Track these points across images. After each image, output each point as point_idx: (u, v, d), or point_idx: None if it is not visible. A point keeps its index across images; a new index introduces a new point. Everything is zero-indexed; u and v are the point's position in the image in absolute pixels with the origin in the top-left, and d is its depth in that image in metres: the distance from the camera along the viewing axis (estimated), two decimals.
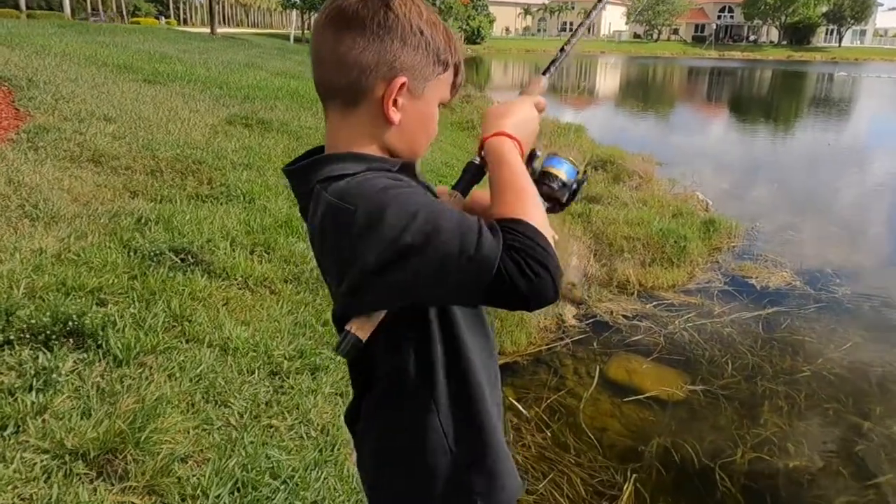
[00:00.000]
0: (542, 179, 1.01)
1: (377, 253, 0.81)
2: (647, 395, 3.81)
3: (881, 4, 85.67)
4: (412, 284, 0.84)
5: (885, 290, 5.60)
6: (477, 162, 0.99)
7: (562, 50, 1.13)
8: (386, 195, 0.83)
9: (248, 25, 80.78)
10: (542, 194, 0.97)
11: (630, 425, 3.57)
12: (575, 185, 1.02)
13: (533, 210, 0.85)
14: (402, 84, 0.91)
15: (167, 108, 6.84)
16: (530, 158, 1.02)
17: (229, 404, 2.31)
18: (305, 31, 38.03)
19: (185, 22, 68.76)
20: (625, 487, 2.98)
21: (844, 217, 8.22)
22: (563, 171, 1.02)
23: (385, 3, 0.90)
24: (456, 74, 1.00)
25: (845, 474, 3.24)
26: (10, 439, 1.89)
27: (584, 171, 1.05)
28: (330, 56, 0.92)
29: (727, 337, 4.55)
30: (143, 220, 3.61)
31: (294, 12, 37.56)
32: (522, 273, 0.78)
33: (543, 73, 1.10)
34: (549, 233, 0.84)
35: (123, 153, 4.87)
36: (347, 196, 0.85)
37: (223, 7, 69.75)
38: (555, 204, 1.03)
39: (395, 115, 0.92)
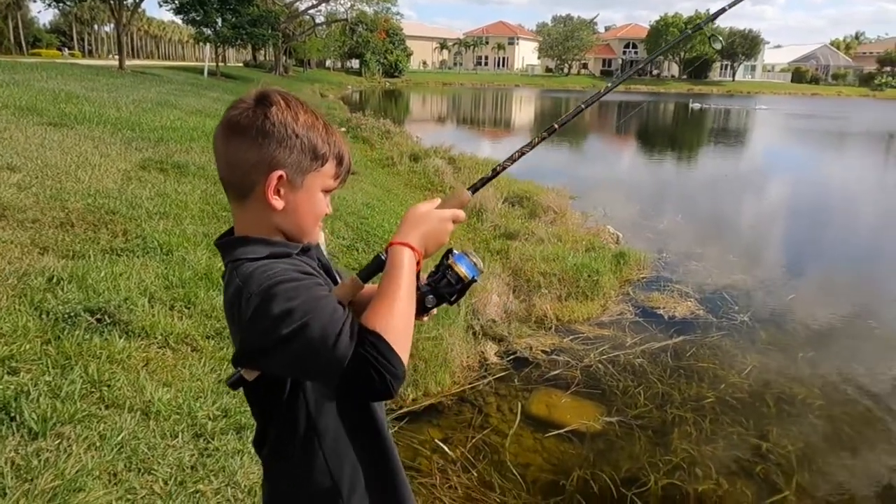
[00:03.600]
0: (445, 274, 1.15)
1: (259, 339, 1.00)
2: (567, 428, 3.98)
3: (768, 42, 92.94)
4: (283, 367, 1.05)
5: (778, 313, 6.08)
6: (382, 258, 1.12)
7: (494, 170, 1.26)
8: (275, 290, 0.99)
9: (158, 57, 78.53)
10: (437, 290, 1.14)
11: (552, 459, 3.72)
12: (462, 286, 1.16)
13: (395, 323, 1.01)
14: (280, 177, 1.09)
15: (76, 153, 6.61)
16: (446, 254, 1.17)
17: (153, 471, 2.28)
18: (220, 65, 37.39)
19: (90, 54, 66.13)
20: None
21: (742, 243, 8.85)
22: (462, 268, 1.15)
23: (264, 113, 1.09)
24: (339, 164, 1.17)
25: (748, 494, 3.49)
26: None
27: (481, 271, 1.18)
28: (223, 157, 1.12)
29: (639, 367, 4.81)
30: (54, 280, 3.50)
31: (207, 46, 36.88)
32: (366, 379, 0.97)
33: (471, 190, 1.22)
34: (404, 343, 1.01)
35: (30, 205, 4.68)
36: (249, 282, 1.02)
37: (132, 38, 67.51)
38: (444, 301, 1.17)
39: (278, 203, 1.11)
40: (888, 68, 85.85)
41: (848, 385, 4.76)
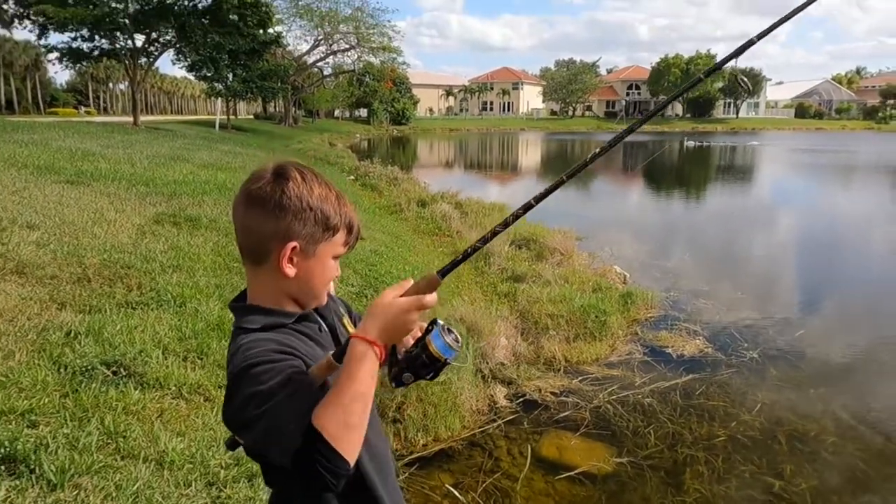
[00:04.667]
0: (421, 353, 1.16)
1: (231, 415, 1.12)
2: (577, 470, 3.97)
3: (770, 79, 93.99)
4: (250, 444, 1.15)
5: (788, 349, 6.07)
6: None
7: (465, 253, 1.25)
8: (248, 372, 1.08)
9: (171, 112, 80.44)
10: (413, 368, 1.16)
11: (563, 502, 3.71)
12: (438, 365, 1.17)
13: (340, 418, 1.04)
14: (294, 247, 1.19)
15: (93, 209, 6.81)
16: (428, 328, 1.19)
17: None
18: (230, 118, 38.30)
19: (105, 111, 67.88)
20: None
21: (750, 280, 8.86)
22: (436, 348, 1.15)
23: (281, 188, 1.19)
24: (349, 232, 1.27)
25: None
26: None
27: (457, 351, 1.18)
28: (240, 225, 1.23)
29: (648, 407, 4.81)
30: (72, 334, 3.61)
31: (219, 100, 37.86)
32: (313, 472, 1.02)
33: (440, 273, 1.18)
34: (348, 437, 1.04)
35: (48, 262, 4.83)
36: (234, 358, 1.13)
37: (145, 95, 69.37)
38: (421, 378, 1.19)
39: (291, 271, 1.20)
40: (891, 101, 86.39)
41: (861, 421, 4.73)
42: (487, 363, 5.30)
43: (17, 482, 2.33)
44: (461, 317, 5.63)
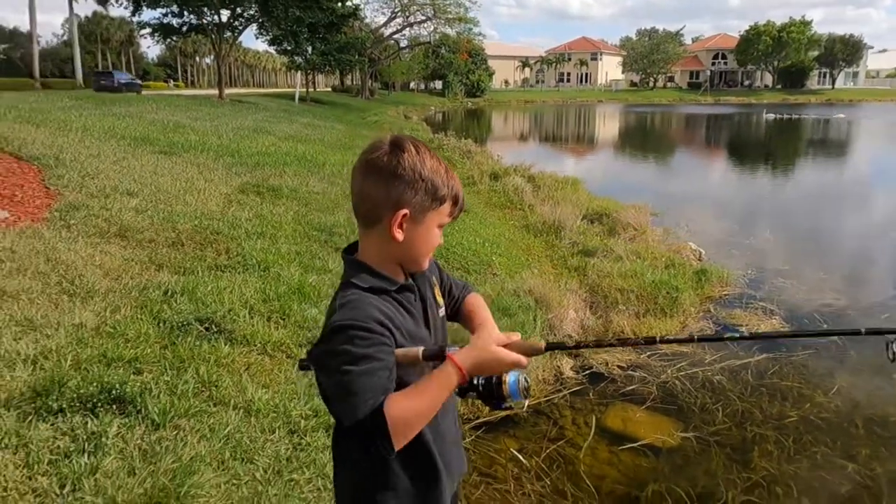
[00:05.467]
0: (493, 383, 1.31)
1: (318, 355, 1.26)
2: (642, 442, 4.01)
3: (871, 47, 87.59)
4: (320, 385, 1.27)
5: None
6: (445, 354, 1.30)
7: (577, 344, 1.38)
8: (346, 332, 1.22)
9: (253, 85, 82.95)
10: (481, 392, 1.33)
11: (627, 472, 3.77)
12: (500, 400, 1.32)
13: (407, 415, 1.20)
14: (404, 215, 1.29)
15: (184, 178, 7.26)
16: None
17: (254, 461, 2.59)
18: (309, 90, 39.20)
19: (192, 84, 70.85)
20: None
21: (833, 261, 8.49)
22: (507, 387, 1.31)
23: (397, 159, 1.28)
24: (455, 203, 1.36)
25: None
26: (68, 497, 2.17)
27: (525, 398, 1.34)
28: (357, 191, 1.32)
29: (718, 384, 4.77)
30: (169, 293, 3.94)
31: (298, 73, 38.78)
32: (366, 438, 1.21)
33: (547, 347, 1.36)
34: (404, 431, 1.20)
35: (146, 227, 5.23)
36: (339, 310, 1.25)
37: (229, 68, 71.80)
38: (484, 402, 1.35)
39: (400, 235, 1.30)
40: None
41: None
42: (555, 335, 5.37)
43: (127, 420, 2.63)
44: (530, 289, 5.71)
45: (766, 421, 4.30)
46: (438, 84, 70.59)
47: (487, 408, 1.40)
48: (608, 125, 42.81)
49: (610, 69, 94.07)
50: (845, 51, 79.42)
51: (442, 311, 1.51)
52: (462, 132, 24.54)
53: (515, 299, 5.39)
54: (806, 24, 76.44)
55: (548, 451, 3.90)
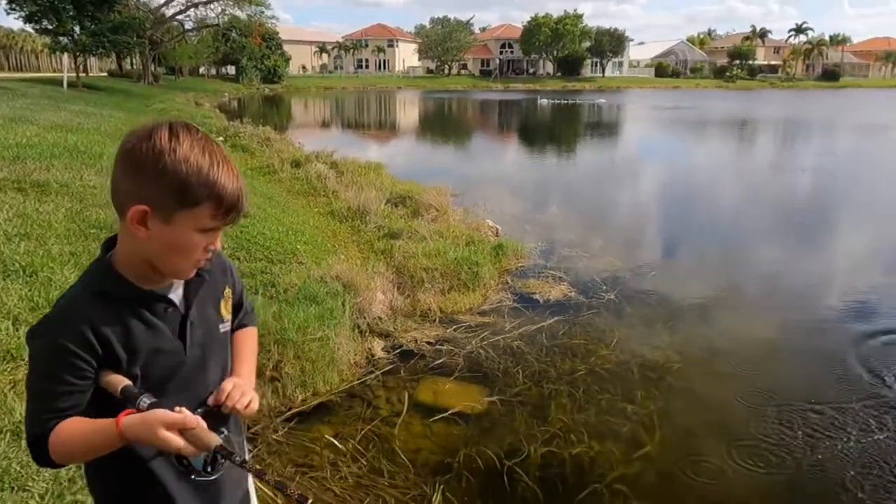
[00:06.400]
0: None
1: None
2: (452, 411, 4.19)
3: (632, 40, 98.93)
4: None
5: (642, 290, 6.64)
6: (134, 403, 1.20)
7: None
8: (35, 343, 1.18)
9: (9, 69, 72.10)
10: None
11: (439, 442, 3.92)
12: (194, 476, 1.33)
13: (66, 446, 1.18)
14: (144, 211, 1.14)
15: None
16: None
17: (28, 488, 2.28)
18: (80, 76, 35.01)
19: None
20: (433, 498, 3.31)
21: (611, 230, 9.51)
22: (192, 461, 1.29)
23: (147, 146, 1.13)
24: (219, 204, 1.16)
25: (616, 452, 3.85)
26: None
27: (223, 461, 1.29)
28: (111, 178, 1.18)
29: (517, 349, 5.13)
30: None
31: (66, 55, 34.41)
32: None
33: (218, 452, 1.18)
34: (64, 460, 1.21)
35: None
36: (49, 312, 1.19)
37: None
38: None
39: (140, 233, 1.16)
40: (737, 61, 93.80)
41: (700, 349, 5.31)
42: (364, 318, 5.40)
43: None
44: (337, 274, 5.67)
45: (559, 377, 4.71)
46: (231, 69, 66.85)
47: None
48: (408, 111, 43.71)
49: (407, 56, 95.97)
50: (612, 42, 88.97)
51: (225, 327, 1.41)
52: (260, 119, 23.53)
53: (323, 286, 5.31)
54: (578, 17, 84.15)
55: (363, 432, 3.93)
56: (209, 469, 1.28)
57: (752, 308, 6.42)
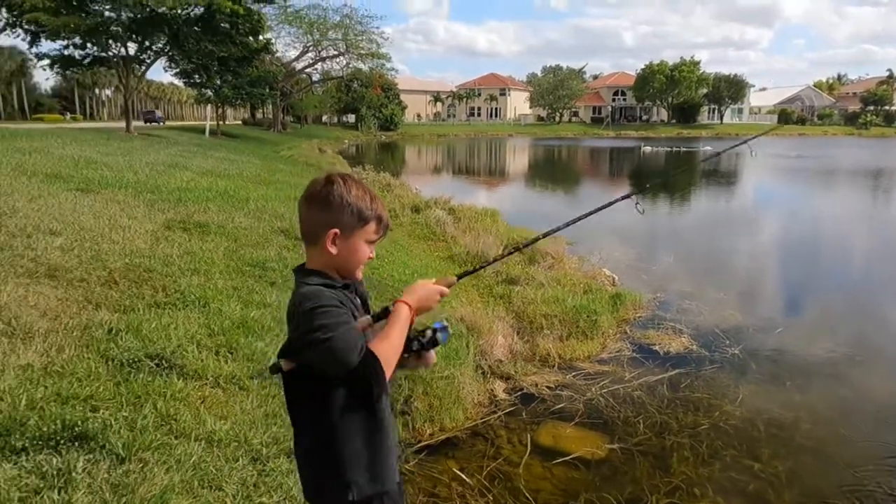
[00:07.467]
0: (423, 331, 1.75)
1: (301, 338, 1.54)
2: (572, 456, 4.32)
3: (753, 86, 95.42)
4: (313, 361, 1.55)
5: (768, 345, 6.48)
6: (390, 308, 1.70)
7: (476, 267, 2.13)
8: (318, 309, 1.52)
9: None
10: (420, 341, 1.74)
11: (560, 485, 4.06)
12: (428, 344, 1.75)
13: (386, 352, 1.58)
14: (335, 233, 1.65)
15: (106, 216, 7.10)
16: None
17: (223, 488, 2.69)
18: (220, 124, 38.41)
19: (90, 116, 67.53)
20: None
21: (731, 281, 9.29)
22: (429, 331, 1.76)
23: (329, 189, 1.66)
24: (379, 222, 1.72)
25: None
26: None
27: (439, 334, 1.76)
28: (302, 217, 1.71)
29: (637, 399, 5.19)
30: (113, 331, 3.93)
31: (209, 106, 38.02)
32: (363, 378, 1.54)
33: (459, 277, 1.88)
34: (388, 363, 1.57)
35: (75, 266, 5.14)
36: (304, 299, 1.56)
37: (133, 100, 69.10)
38: (422, 348, 1.75)
39: (333, 249, 1.66)
40: (871, 107, 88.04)
41: (833, 409, 5.15)
42: (486, 360, 5.66)
43: (91, 455, 2.67)
44: (461, 317, 5.99)
45: (681, 430, 4.72)
46: (351, 117, 70.84)
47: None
48: (519, 157, 44.34)
49: (518, 104, 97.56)
50: (730, 89, 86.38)
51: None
52: (378, 165, 24.81)
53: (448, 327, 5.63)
54: (695, 63, 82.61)
55: (488, 469, 4.14)
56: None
57: (887, 367, 6.10)
